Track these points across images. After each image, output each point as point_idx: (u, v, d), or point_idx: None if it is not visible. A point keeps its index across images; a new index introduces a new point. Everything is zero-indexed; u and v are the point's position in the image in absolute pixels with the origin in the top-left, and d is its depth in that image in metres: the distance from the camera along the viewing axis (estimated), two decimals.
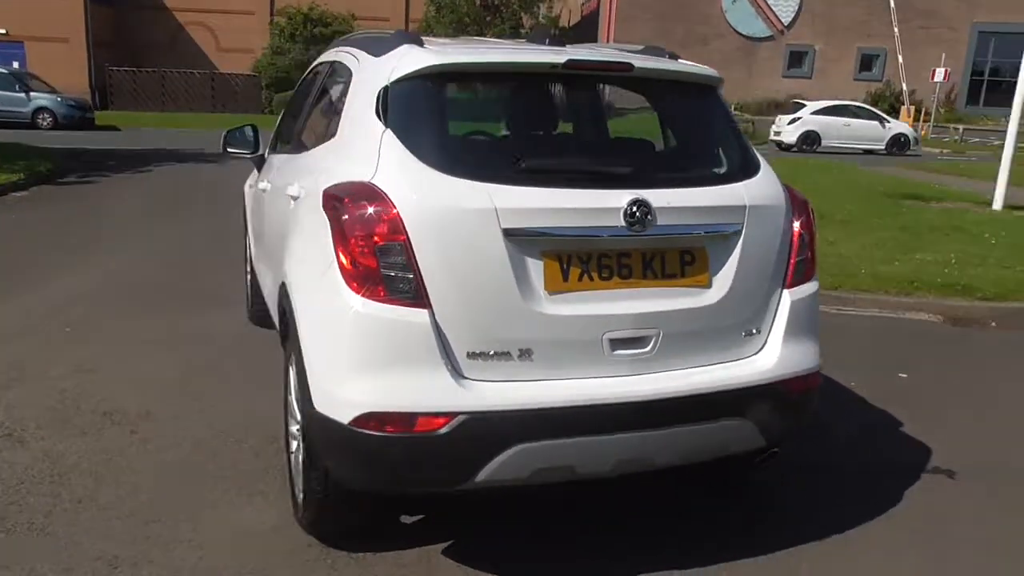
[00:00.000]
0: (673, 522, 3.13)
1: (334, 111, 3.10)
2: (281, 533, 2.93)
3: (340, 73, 3.24)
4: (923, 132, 28.13)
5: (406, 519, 3.06)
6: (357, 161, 2.56)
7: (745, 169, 2.76)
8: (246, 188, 5.14)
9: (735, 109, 32.21)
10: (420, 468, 2.40)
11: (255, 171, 4.95)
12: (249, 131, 4.44)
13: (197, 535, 2.90)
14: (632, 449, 2.49)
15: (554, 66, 2.61)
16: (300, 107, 3.94)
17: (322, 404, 2.45)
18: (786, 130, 24.81)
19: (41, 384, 4.23)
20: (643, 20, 35.18)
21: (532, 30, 31.95)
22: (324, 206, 2.51)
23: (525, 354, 2.40)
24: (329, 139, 2.98)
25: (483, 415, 2.32)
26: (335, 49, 3.59)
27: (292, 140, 3.80)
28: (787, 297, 2.74)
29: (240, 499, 3.17)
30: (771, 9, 36.36)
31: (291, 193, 3.04)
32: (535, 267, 2.40)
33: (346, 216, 2.39)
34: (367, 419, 2.33)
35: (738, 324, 2.66)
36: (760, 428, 2.65)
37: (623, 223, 2.42)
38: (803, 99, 27.04)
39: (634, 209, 2.41)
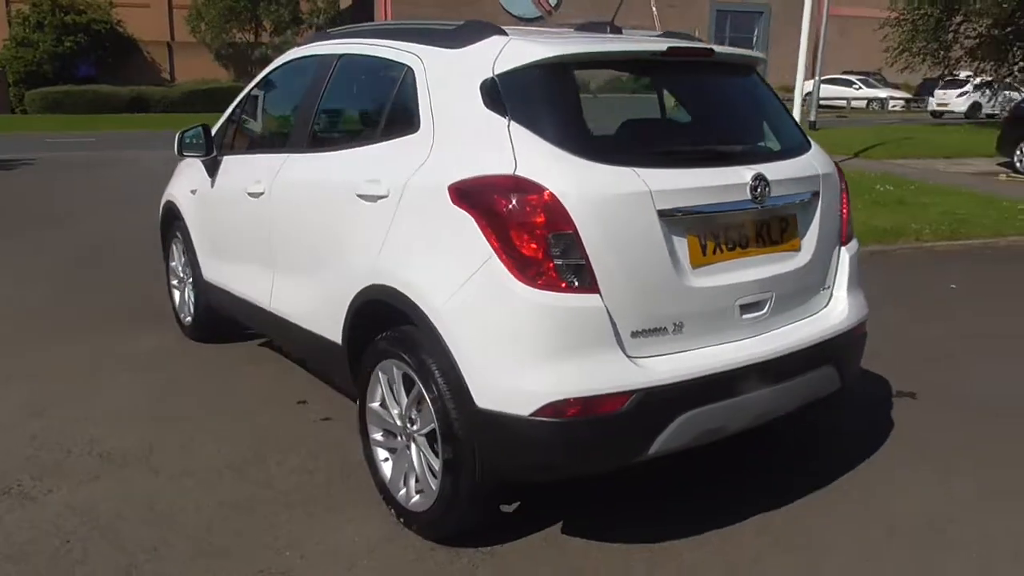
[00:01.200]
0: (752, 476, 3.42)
1: (395, 105, 3.01)
2: (396, 543, 2.86)
3: (383, 67, 3.13)
4: None
5: (505, 507, 3.08)
6: (478, 154, 2.54)
7: (806, 141, 3.07)
8: (177, 196, 4.71)
9: None
10: (601, 449, 2.47)
11: (186, 176, 4.59)
12: (201, 132, 4.11)
13: (312, 564, 2.74)
14: (765, 403, 2.72)
15: (654, 53, 2.74)
16: (295, 105, 3.72)
17: (491, 400, 2.43)
18: (954, 101, 29.61)
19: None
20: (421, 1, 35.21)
21: (312, 16, 30.86)
22: (462, 201, 2.48)
23: (677, 327, 2.54)
24: (400, 134, 2.89)
25: (654, 390, 2.44)
26: (352, 42, 3.43)
27: (295, 138, 3.57)
28: (844, 254, 3.10)
29: (330, 518, 3.02)
30: None
31: (363, 192, 2.91)
32: (681, 244, 2.54)
33: (507, 209, 2.38)
34: (551, 407, 2.36)
35: (818, 282, 2.97)
36: (840, 372, 2.99)
37: (748, 196, 2.63)
38: None
39: (756, 183, 2.63)
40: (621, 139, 2.82)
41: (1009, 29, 19.87)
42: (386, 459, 3.03)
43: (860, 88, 33.84)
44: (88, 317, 5.43)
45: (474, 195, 2.46)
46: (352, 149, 3.20)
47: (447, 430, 2.59)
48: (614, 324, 2.42)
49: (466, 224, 2.46)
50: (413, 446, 2.84)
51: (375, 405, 3.01)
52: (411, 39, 3.04)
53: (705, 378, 2.53)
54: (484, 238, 2.41)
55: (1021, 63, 20.77)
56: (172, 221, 4.91)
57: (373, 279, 2.83)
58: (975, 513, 3.08)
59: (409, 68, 2.95)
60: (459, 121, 2.67)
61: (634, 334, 2.46)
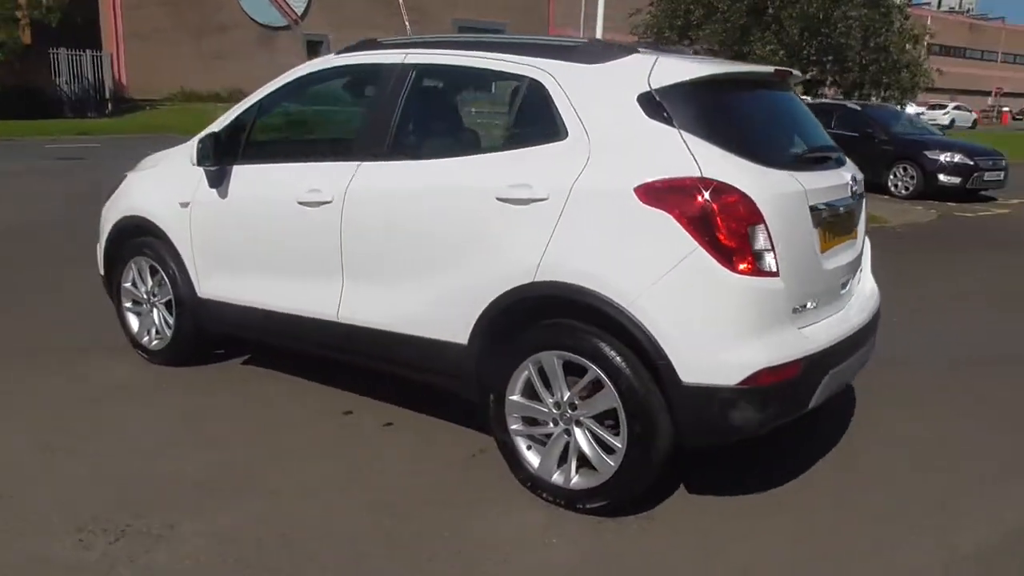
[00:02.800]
0: None
1: (525, 114, 3.22)
2: (561, 524, 3.06)
3: (493, 79, 3.31)
4: None
5: None
6: (653, 159, 2.87)
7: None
8: (152, 211, 4.36)
9: None
10: (782, 408, 2.91)
11: (161, 188, 4.30)
12: (213, 140, 3.92)
13: (484, 553, 2.88)
14: (860, 363, 3.32)
15: (766, 74, 3.23)
16: (356, 113, 3.71)
17: (697, 375, 2.78)
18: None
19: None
20: (153, 4, 32.79)
21: None
22: (655, 201, 2.79)
23: (814, 303, 3.07)
24: (540, 142, 3.12)
25: (814, 355, 2.94)
26: (428, 52, 3.53)
27: (367, 147, 3.56)
28: (867, 241, 3.81)
29: (478, 511, 3.15)
30: None
31: (508, 196, 3.07)
32: (816, 234, 3.07)
33: (707, 207, 2.74)
34: (754, 377, 2.76)
35: (862, 265, 3.65)
36: (874, 341, 3.69)
37: (849, 194, 3.22)
38: None
39: (854, 182, 3.23)
40: (768, 145, 3.25)
41: (737, 49, 22.94)
42: (529, 447, 3.21)
43: None
44: (23, 344, 4.80)
45: (668, 195, 2.79)
46: (471, 156, 3.32)
47: (636, 407, 2.88)
48: (787, 302, 2.88)
49: (662, 221, 2.78)
50: (578, 430, 3.06)
51: (517, 397, 3.18)
52: (525, 53, 3.26)
53: (836, 343, 3.08)
54: (686, 232, 2.75)
55: None
56: (134, 238, 4.51)
57: (534, 276, 3.01)
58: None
59: (534, 80, 3.17)
60: (617, 129, 2.97)
61: (795, 310, 2.94)
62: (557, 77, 3.13)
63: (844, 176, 3.24)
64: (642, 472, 2.96)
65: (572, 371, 3.04)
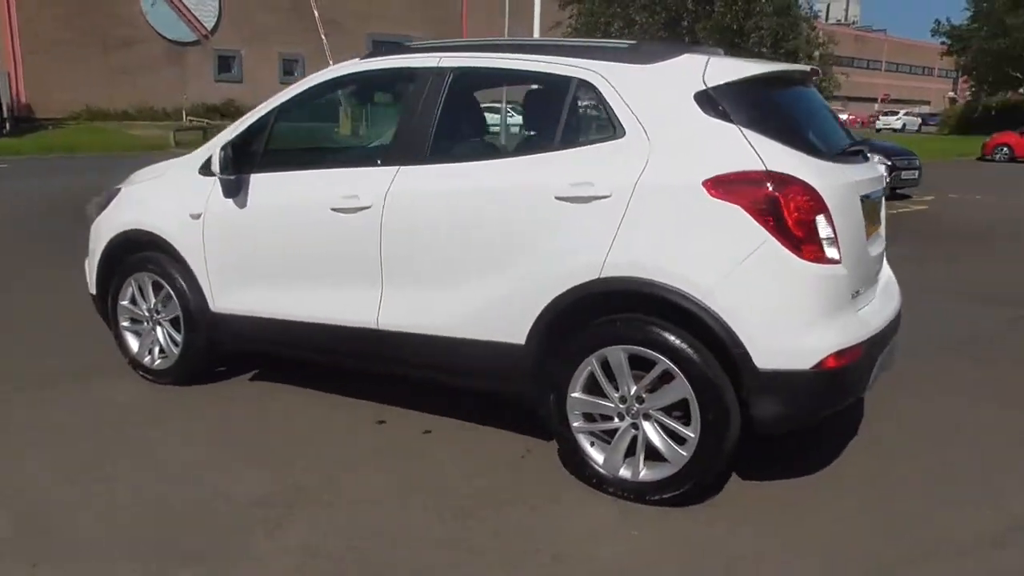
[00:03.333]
0: None
1: (577, 114, 3.25)
2: (634, 517, 3.10)
3: (539, 80, 3.34)
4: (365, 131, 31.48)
5: None
6: (716, 154, 2.96)
7: None
8: (158, 224, 4.18)
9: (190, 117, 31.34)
10: (849, 389, 3.02)
11: (165, 200, 4.15)
12: (232, 149, 3.81)
13: (574, 548, 2.91)
14: (892, 353, 3.46)
15: (804, 73, 3.36)
16: (388, 117, 3.66)
17: (772, 361, 2.86)
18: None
19: None
20: (51, 18, 31.38)
21: None
22: (724, 194, 2.88)
23: (863, 288, 3.20)
24: (597, 140, 3.18)
25: (872, 338, 3.08)
26: (465, 55, 3.53)
27: (405, 151, 3.52)
28: (882, 235, 3.99)
29: (558, 509, 3.16)
30: (192, 13, 35.87)
31: (569, 194, 3.10)
32: (863, 223, 3.20)
33: (776, 199, 2.84)
34: (828, 359, 2.87)
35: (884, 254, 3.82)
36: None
37: (883, 186, 3.38)
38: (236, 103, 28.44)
39: (888, 174, 3.39)
40: (816, 138, 3.36)
41: None
42: (592, 443, 3.24)
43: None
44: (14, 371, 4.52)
45: (738, 188, 2.87)
46: (524, 157, 3.34)
47: (709, 396, 2.94)
48: (848, 288, 3.00)
49: (733, 213, 2.86)
50: (646, 423, 3.11)
51: (579, 394, 3.21)
52: (570, 55, 3.30)
53: (884, 327, 3.23)
54: (757, 224, 2.84)
55: None
56: (134, 254, 4.32)
57: (600, 273, 3.04)
58: None
59: (584, 81, 3.22)
60: (676, 127, 3.04)
61: (853, 295, 3.07)
62: (609, 78, 3.18)
63: (879, 169, 3.41)
64: (714, 460, 3.03)
65: (637, 365, 3.09)
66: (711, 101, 3.02)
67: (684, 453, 3.04)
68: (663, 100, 3.10)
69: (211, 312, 4.11)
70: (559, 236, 3.15)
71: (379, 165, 3.61)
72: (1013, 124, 29.57)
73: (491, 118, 4.03)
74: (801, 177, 2.89)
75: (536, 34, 21.67)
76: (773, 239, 2.84)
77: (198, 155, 4.21)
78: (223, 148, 3.77)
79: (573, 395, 3.22)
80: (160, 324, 4.36)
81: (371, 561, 2.77)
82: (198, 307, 4.15)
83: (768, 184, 2.86)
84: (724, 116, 3.00)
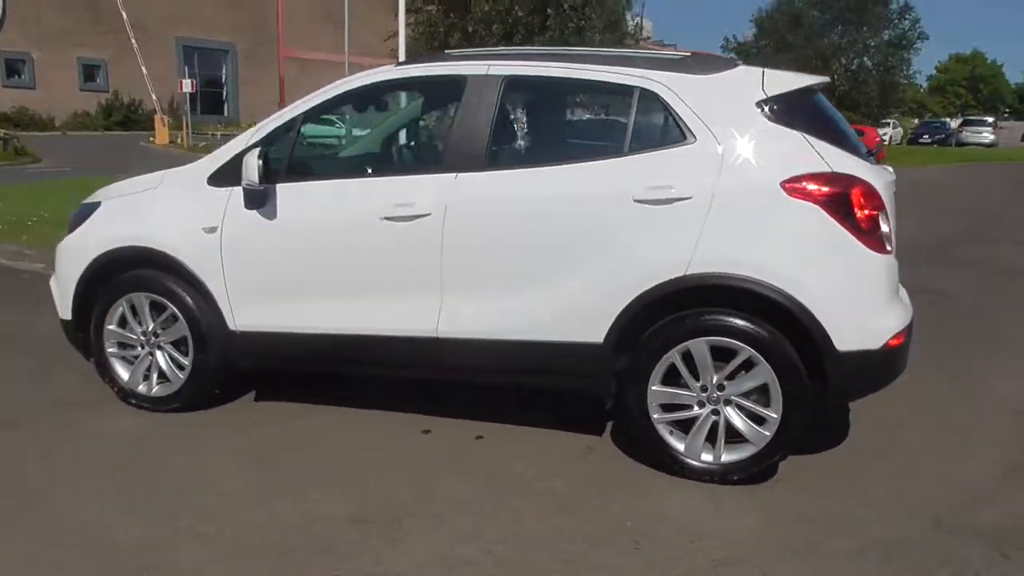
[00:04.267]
0: None
1: (644, 121, 3.43)
2: (715, 500, 3.33)
3: (600, 89, 3.48)
4: (184, 140, 29.64)
5: None
6: (785, 157, 3.25)
7: None
8: (165, 239, 3.88)
9: None
10: (899, 367, 3.39)
11: (176, 212, 3.91)
12: (262, 158, 3.64)
13: (659, 531, 3.10)
14: None
15: (827, 83, 3.72)
16: (436, 125, 3.65)
17: (848, 343, 3.18)
18: None
19: None
20: None
21: None
22: (801, 194, 3.17)
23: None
24: (667, 145, 3.38)
25: (911, 322, 3.48)
26: (516, 64, 3.59)
27: (461, 158, 3.53)
28: None
29: (651, 498, 3.32)
30: None
31: (648, 197, 3.27)
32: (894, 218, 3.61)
33: (847, 197, 3.17)
34: (891, 340, 3.24)
35: None
36: None
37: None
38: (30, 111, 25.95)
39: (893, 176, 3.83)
40: (855, 142, 3.67)
41: None
42: (671, 432, 3.43)
43: (341, 126, 36.66)
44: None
45: (813, 188, 3.17)
46: (594, 162, 3.44)
47: (791, 380, 3.23)
48: (897, 277, 3.39)
49: (810, 211, 3.16)
50: (728, 408, 3.34)
51: (658, 387, 3.39)
52: (628, 65, 3.48)
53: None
54: (832, 220, 3.16)
55: None
56: (125, 273, 3.98)
57: (686, 270, 3.23)
58: None
59: (647, 90, 3.40)
60: (743, 132, 3.29)
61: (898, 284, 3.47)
62: (673, 87, 3.38)
63: (892, 170, 3.85)
64: (794, 437, 3.31)
65: (714, 356, 3.32)
66: (772, 109, 3.31)
67: (767, 433, 3.31)
68: (728, 108, 3.34)
69: (228, 331, 3.88)
70: (640, 237, 3.31)
71: (431, 172, 3.59)
72: None
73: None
74: (863, 177, 3.24)
75: (402, 45, 21.81)
76: (847, 233, 3.17)
77: (203, 165, 3.96)
78: (259, 156, 3.58)
79: (653, 388, 3.39)
80: (160, 348, 4.04)
81: (514, 561, 2.80)
82: (212, 326, 3.90)
83: (839, 184, 3.19)
84: (786, 122, 3.30)
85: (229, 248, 3.80)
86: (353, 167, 4.05)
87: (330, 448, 3.72)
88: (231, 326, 3.88)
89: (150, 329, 4.03)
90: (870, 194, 3.23)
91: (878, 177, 3.35)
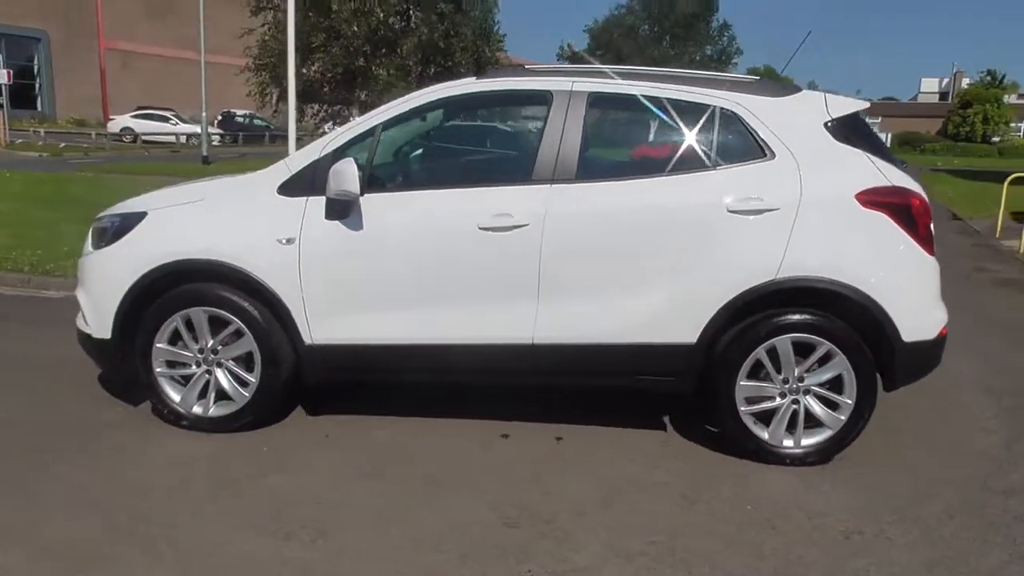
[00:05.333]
0: None
1: (727, 138, 3.71)
2: (813, 489, 3.69)
3: (682, 108, 3.74)
4: (1, 138, 26.87)
5: None
6: (852, 173, 3.66)
7: None
8: (234, 252, 3.72)
9: None
10: (942, 353, 3.88)
11: (241, 222, 3.79)
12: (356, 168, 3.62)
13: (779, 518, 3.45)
14: None
15: (867, 107, 4.16)
16: (526, 139, 3.78)
17: (911, 334, 3.63)
18: None
19: None
20: None
21: None
22: (873, 205, 3.58)
23: None
24: (749, 161, 3.68)
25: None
26: (598, 82, 3.79)
27: (553, 169, 3.65)
28: None
29: (751, 484, 3.62)
30: None
31: (740, 208, 3.56)
32: None
33: (909, 208, 3.62)
34: (942, 331, 3.74)
35: None
36: None
37: None
38: None
39: None
40: (894, 159, 4.10)
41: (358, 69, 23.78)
42: (755, 423, 3.75)
43: (176, 123, 34.68)
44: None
45: (881, 200, 3.60)
46: (681, 175, 3.67)
47: (864, 369, 3.64)
48: None
49: (880, 220, 3.59)
50: (807, 398, 3.71)
51: (746, 382, 3.70)
52: (707, 86, 3.77)
53: None
54: (899, 228, 3.60)
55: (363, 98, 25.05)
56: (182, 286, 3.79)
57: (776, 274, 3.56)
58: None
59: (726, 110, 3.71)
60: (816, 150, 3.67)
61: None
62: (750, 108, 3.71)
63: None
64: (864, 421, 3.73)
65: (796, 350, 3.67)
66: (837, 129, 3.71)
67: (842, 418, 3.70)
68: (800, 127, 3.71)
69: (305, 345, 3.78)
70: (733, 245, 3.60)
71: (522, 183, 3.70)
72: None
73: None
74: (916, 189, 3.71)
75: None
76: (909, 238, 3.62)
77: (271, 174, 3.84)
78: (360, 167, 3.53)
79: (741, 383, 3.69)
80: (221, 365, 3.86)
81: (685, 549, 3.01)
82: (284, 341, 3.79)
83: (901, 196, 3.64)
84: (848, 141, 3.71)
85: (308, 259, 3.72)
86: (440, 177, 4.06)
87: (423, 458, 3.73)
88: (307, 340, 3.78)
89: (209, 346, 3.85)
90: (924, 204, 3.70)
91: (919, 187, 3.85)
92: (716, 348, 3.68)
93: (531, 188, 3.68)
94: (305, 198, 3.73)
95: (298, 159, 3.82)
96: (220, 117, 36.82)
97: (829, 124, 3.72)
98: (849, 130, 3.75)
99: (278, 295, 3.75)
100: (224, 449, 3.74)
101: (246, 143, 35.09)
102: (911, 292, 3.70)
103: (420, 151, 4.26)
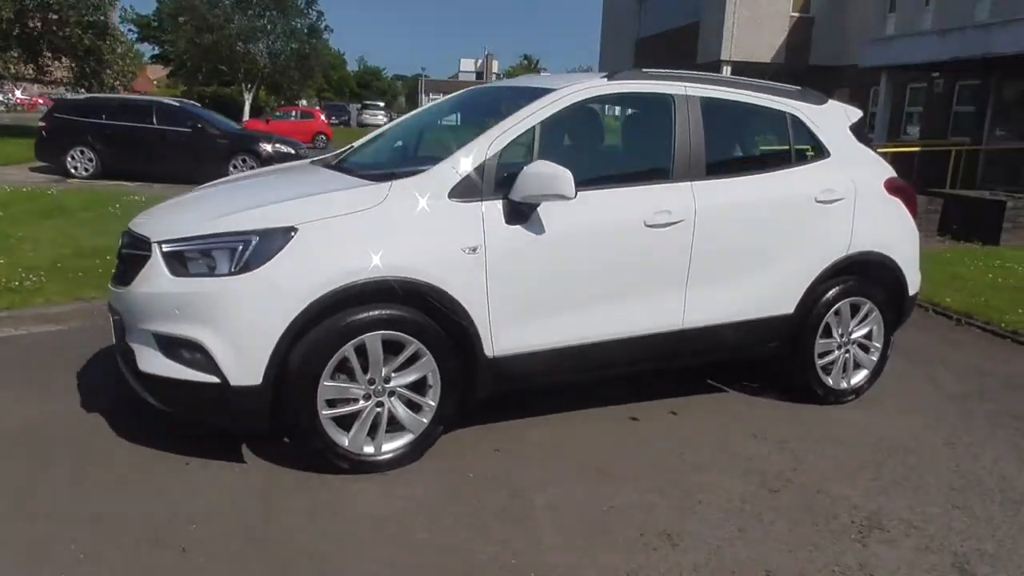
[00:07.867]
0: None
1: (799, 140, 4.40)
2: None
3: (762, 113, 4.35)
4: None
5: None
6: (872, 167, 4.65)
7: None
8: (421, 267, 3.36)
9: None
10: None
11: (429, 238, 3.47)
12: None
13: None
14: None
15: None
16: (659, 139, 4.05)
17: (912, 288, 4.75)
18: None
19: None
20: None
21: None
22: (894, 193, 4.61)
23: None
24: (816, 159, 4.44)
25: None
26: (734, 91, 4.28)
27: (687, 168, 3.97)
28: None
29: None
30: None
31: (823, 198, 4.30)
32: None
33: (911, 197, 4.72)
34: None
35: None
36: None
37: None
38: None
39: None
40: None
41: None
42: (823, 370, 4.56)
43: None
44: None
45: (895, 188, 4.63)
46: (783, 171, 4.25)
47: (890, 320, 4.68)
48: None
49: (899, 206, 4.63)
50: (854, 347, 4.62)
51: (820, 340, 4.49)
52: (773, 93, 4.41)
53: None
54: (906, 209, 4.68)
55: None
56: (349, 311, 3.30)
57: (847, 251, 4.38)
58: None
59: (791, 115, 4.41)
60: (850, 148, 4.55)
61: None
62: (807, 114, 4.45)
63: None
64: (886, 358, 4.76)
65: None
66: (855, 131, 4.65)
67: (874, 358, 4.69)
68: (839, 130, 4.56)
69: (486, 359, 3.57)
70: (820, 228, 4.33)
71: (671, 181, 3.96)
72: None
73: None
74: (903, 180, 4.83)
75: None
76: (910, 217, 4.72)
77: (437, 177, 3.50)
78: (563, 168, 3.44)
79: (820, 340, 4.47)
80: (393, 395, 3.44)
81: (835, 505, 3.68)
82: (469, 357, 3.53)
83: (902, 183, 4.72)
84: (863, 141, 4.68)
85: (495, 267, 3.51)
86: (604, 175, 3.97)
87: (572, 462, 3.71)
88: (489, 353, 3.57)
89: (383, 375, 3.40)
90: (913, 189, 4.84)
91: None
92: (807, 315, 4.39)
93: (679, 186, 3.97)
94: (479, 202, 3.51)
95: (464, 161, 3.53)
96: None
97: (851, 127, 4.63)
98: (860, 132, 4.71)
99: (465, 309, 3.47)
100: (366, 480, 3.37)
101: None
102: (914, 259, 4.81)
103: (574, 150, 4.17)
